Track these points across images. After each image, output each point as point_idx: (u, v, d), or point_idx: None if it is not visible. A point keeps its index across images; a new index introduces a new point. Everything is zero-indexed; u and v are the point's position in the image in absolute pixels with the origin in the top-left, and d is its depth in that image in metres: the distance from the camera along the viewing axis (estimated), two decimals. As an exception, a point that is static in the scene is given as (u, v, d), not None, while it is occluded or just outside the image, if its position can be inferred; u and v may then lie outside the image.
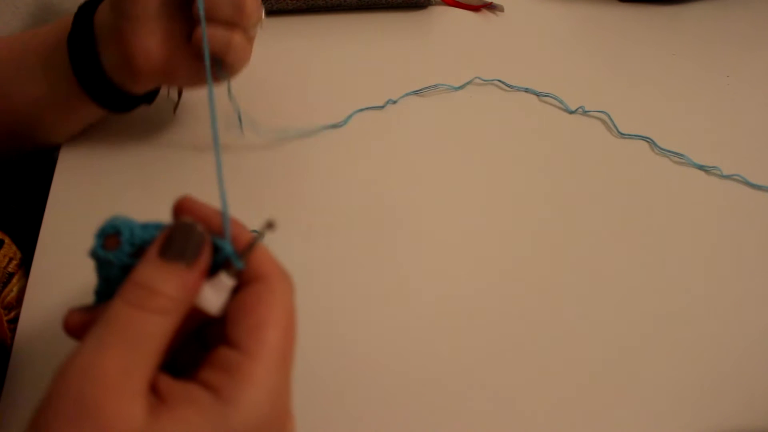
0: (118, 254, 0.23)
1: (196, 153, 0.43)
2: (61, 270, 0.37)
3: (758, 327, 0.37)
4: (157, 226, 0.23)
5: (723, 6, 0.57)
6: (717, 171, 0.44)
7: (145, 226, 0.23)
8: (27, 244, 0.39)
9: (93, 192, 0.41)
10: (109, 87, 0.37)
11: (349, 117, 0.46)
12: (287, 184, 0.42)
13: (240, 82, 0.39)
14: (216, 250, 0.23)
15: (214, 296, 0.22)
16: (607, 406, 0.33)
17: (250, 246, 0.22)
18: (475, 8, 0.56)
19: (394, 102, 0.47)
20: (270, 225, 0.23)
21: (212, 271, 0.23)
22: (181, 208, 0.24)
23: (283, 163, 0.44)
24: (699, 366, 0.35)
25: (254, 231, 0.24)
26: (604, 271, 0.39)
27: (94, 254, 0.23)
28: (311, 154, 0.44)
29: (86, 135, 0.45)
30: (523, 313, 0.37)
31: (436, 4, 0.56)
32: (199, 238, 0.22)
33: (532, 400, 0.33)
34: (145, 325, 0.20)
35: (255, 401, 0.20)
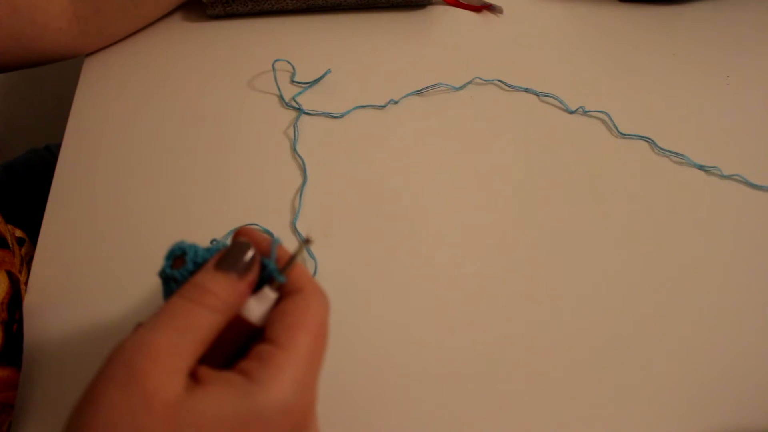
0: (182, 271, 0.26)
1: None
2: (61, 268, 0.37)
3: (758, 327, 0.37)
4: (218, 248, 0.26)
5: (723, 6, 0.57)
6: (717, 171, 0.44)
7: (208, 249, 0.26)
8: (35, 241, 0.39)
9: (93, 191, 0.41)
10: None
11: (348, 111, 0.47)
12: (286, 183, 0.43)
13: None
14: (262, 268, 0.26)
15: (257, 307, 0.25)
16: (607, 406, 0.33)
17: (290, 260, 0.25)
18: (476, 9, 0.56)
19: (396, 102, 0.47)
20: (307, 241, 0.26)
21: (258, 288, 0.25)
22: (239, 232, 0.28)
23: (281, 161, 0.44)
24: (699, 366, 0.35)
25: (299, 236, 0.25)
26: (604, 270, 0.39)
27: (162, 274, 0.26)
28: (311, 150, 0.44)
29: (86, 134, 0.45)
30: (521, 313, 0.37)
31: (437, 3, 0.56)
32: (251, 256, 0.25)
33: (530, 400, 0.33)
34: (196, 316, 0.23)
35: (281, 385, 0.22)
